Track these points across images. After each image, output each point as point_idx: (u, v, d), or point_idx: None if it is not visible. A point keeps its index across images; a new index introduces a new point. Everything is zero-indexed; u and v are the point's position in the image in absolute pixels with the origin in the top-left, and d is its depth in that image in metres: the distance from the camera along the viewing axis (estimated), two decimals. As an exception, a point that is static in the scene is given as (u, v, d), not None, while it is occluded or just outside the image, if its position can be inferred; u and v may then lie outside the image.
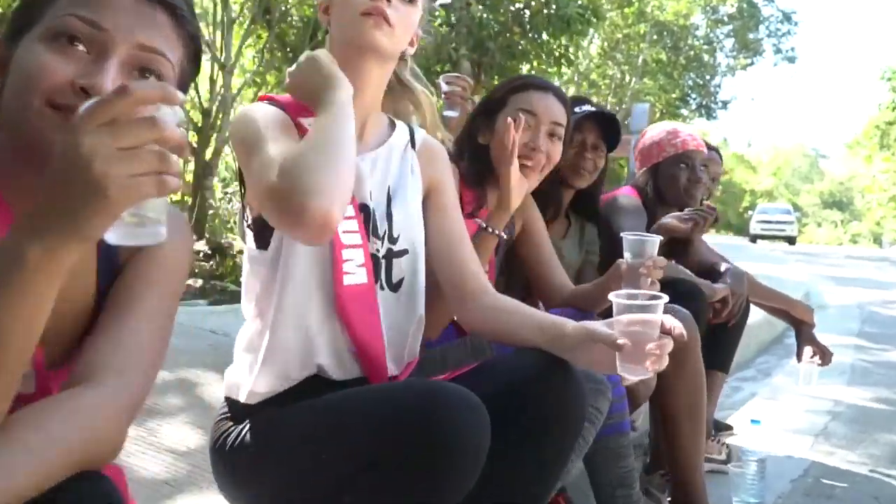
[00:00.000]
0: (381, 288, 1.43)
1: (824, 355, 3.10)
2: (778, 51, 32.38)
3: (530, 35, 12.90)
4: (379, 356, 1.39)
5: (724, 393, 4.16)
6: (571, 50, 14.65)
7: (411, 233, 1.49)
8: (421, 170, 1.56)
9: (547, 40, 13.24)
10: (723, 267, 2.83)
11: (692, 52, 30.43)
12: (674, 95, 30.34)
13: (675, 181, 2.76)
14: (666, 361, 1.28)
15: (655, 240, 1.74)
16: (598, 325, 1.34)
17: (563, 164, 2.30)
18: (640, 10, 27.60)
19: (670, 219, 2.57)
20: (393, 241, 1.46)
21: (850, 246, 43.67)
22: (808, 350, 3.10)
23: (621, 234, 1.79)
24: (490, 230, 1.88)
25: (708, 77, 31.67)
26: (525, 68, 14.54)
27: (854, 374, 4.82)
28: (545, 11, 12.12)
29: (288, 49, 14.60)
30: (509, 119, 1.87)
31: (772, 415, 3.68)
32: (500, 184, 1.89)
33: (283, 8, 13.64)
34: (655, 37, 28.65)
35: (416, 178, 1.55)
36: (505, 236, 1.91)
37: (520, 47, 12.78)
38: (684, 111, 32.22)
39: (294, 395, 1.34)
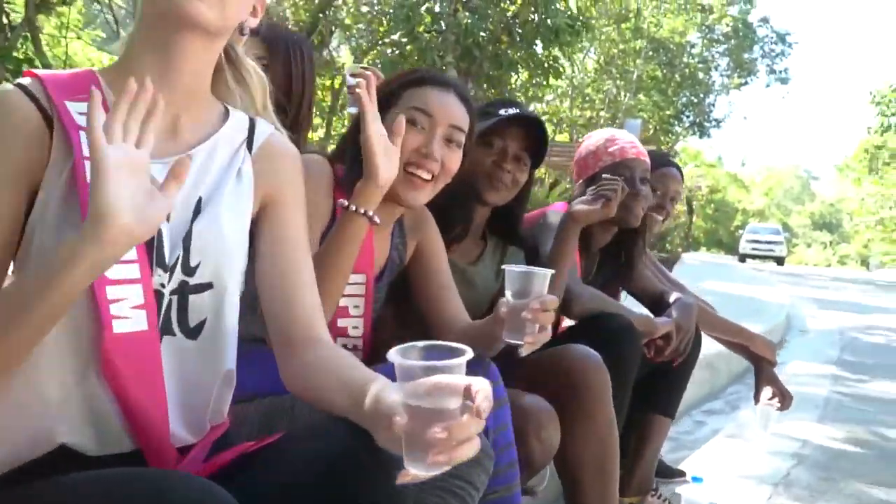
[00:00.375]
0: (171, 334, 1.11)
1: (784, 398, 2.85)
2: (772, 71, 32.35)
3: (519, 44, 12.66)
4: (158, 423, 1.07)
5: (685, 429, 3.92)
6: (562, 61, 14.41)
7: (218, 261, 1.14)
8: (256, 176, 1.23)
9: (534, 51, 13.00)
10: (672, 296, 2.57)
11: (687, 70, 30.35)
12: (668, 112, 30.25)
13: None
14: (465, 451, 0.90)
15: (544, 273, 1.44)
16: (386, 393, 0.99)
17: (478, 175, 2.04)
18: (637, 26, 27.51)
19: (578, 205, 2.23)
20: (189, 271, 1.12)
21: (838, 268, 43.56)
22: (766, 391, 2.85)
23: (502, 267, 1.51)
24: (354, 208, 1.51)
25: (702, 95, 31.59)
26: (514, 78, 14.37)
27: (827, 408, 4.57)
28: (533, 20, 11.88)
29: None
30: (401, 116, 1.55)
31: (732, 457, 3.42)
32: (364, 151, 1.50)
33: (280, 13, 13.43)
34: (651, 53, 28.55)
35: (244, 187, 1.21)
36: (378, 220, 1.55)
37: (508, 57, 12.52)
38: (678, 128, 32.16)
39: (33, 473, 1.02)
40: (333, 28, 16.13)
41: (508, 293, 1.45)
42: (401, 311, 1.89)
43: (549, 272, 1.46)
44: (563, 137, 26.61)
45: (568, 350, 1.91)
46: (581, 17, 12.65)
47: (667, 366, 2.48)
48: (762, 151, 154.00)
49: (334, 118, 15.72)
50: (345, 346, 1.76)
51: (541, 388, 1.86)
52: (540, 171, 16.76)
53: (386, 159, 1.50)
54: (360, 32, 15.32)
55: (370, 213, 1.53)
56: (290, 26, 14.31)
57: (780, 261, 31.33)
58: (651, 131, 30.08)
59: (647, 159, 2.47)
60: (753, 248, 31.82)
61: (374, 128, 1.49)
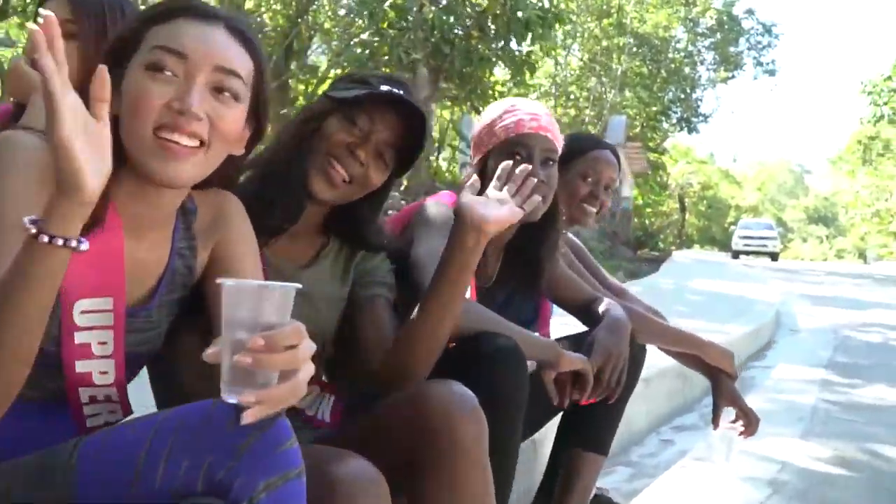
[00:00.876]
0: None
1: (749, 420, 2.34)
2: (758, 63, 32.08)
3: (492, 39, 12.16)
4: None
5: (649, 451, 3.43)
6: (538, 55, 13.94)
7: None
8: None
9: (508, 46, 12.51)
10: (601, 306, 2.03)
11: (673, 66, 30.01)
12: (655, 109, 29.90)
13: None
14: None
15: (280, 291, 0.95)
16: None
17: (315, 158, 1.52)
18: (619, 21, 27.14)
19: (489, 209, 1.61)
20: None
21: (835, 262, 43.11)
22: (726, 412, 2.34)
23: (218, 281, 0.99)
24: (46, 238, 0.95)
25: (688, 90, 31.23)
26: (489, 75, 13.87)
27: (813, 420, 4.05)
28: (501, 14, 11.39)
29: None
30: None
31: (696, 487, 2.90)
32: (51, 144, 0.91)
33: (258, 18, 12.96)
34: (635, 49, 28.18)
35: None
36: (74, 244, 0.97)
37: (479, 52, 12.01)
38: (665, 125, 31.78)
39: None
40: (313, 32, 15.65)
41: (223, 321, 0.94)
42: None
43: (292, 287, 0.94)
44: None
45: (428, 389, 1.37)
46: (553, 9, 12.14)
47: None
48: (754, 147, 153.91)
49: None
50: (93, 399, 1.24)
51: (387, 444, 1.34)
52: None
53: (88, 150, 0.94)
54: (338, 35, 14.82)
55: (72, 241, 0.98)
56: (268, 32, 13.91)
57: (773, 256, 30.90)
58: (638, 128, 29.72)
59: (554, 135, 1.90)
60: (746, 245, 31.35)
61: (65, 104, 0.91)
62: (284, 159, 1.51)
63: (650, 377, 3.68)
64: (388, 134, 1.55)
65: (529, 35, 11.70)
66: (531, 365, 1.65)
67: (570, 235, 2.52)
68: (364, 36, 12.57)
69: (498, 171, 1.49)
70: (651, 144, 31.43)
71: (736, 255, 30.60)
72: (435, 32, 11.47)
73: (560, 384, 1.79)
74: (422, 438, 1.33)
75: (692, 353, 2.37)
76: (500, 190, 1.47)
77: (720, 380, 2.35)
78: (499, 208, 1.44)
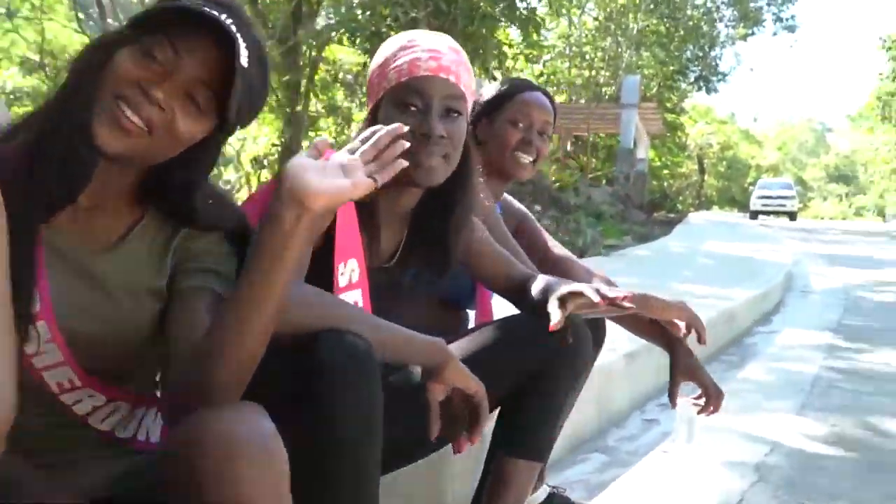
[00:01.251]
0: None
1: (710, 397, 2.07)
2: (778, 19, 31.18)
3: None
4: None
5: (630, 433, 3.19)
6: (542, 15, 13.52)
7: None
8: None
9: (512, 3, 12.09)
10: (536, 285, 1.72)
11: (691, 23, 29.26)
12: (672, 68, 29.24)
13: None
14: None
15: None
16: None
17: (97, 100, 1.11)
18: (636, -23, 26.46)
19: (313, 174, 1.14)
20: None
21: (854, 220, 42.40)
22: (684, 387, 2.07)
23: None
24: None
25: (707, 48, 30.49)
26: (500, 34, 13.45)
27: (813, 392, 3.77)
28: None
29: (270, 26, 13.47)
30: None
31: (672, 477, 2.63)
32: None
33: None
34: (652, 6, 27.48)
35: None
36: None
37: (480, 11, 11.62)
38: (683, 84, 31.11)
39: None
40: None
41: None
42: None
43: None
44: (562, 98, 25.69)
45: (206, 422, 0.98)
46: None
47: (527, 389, 1.68)
48: (776, 106, 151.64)
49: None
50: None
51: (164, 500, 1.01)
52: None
53: None
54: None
55: None
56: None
57: (792, 216, 30.39)
58: (655, 89, 29.12)
59: (459, 78, 1.53)
60: (764, 205, 30.88)
61: None
62: (64, 106, 1.11)
63: (636, 351, 3.41)
64: (200, 70, 1.12)
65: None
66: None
67: (508, 197, 2.24)
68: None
69: (365, 132, 1.12)
70: (668, 105, 30.82)
71: (754, 215, 30.15)
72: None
73: (447, 408, 1.42)
74: (196, 493, 0.95)
75: (646, 320, 2.08)
76: (354, 153, 1.09)
77: (676, 350, 2.08)
78: (337, 178, 1.05)
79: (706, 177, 49.09)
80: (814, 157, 74.96)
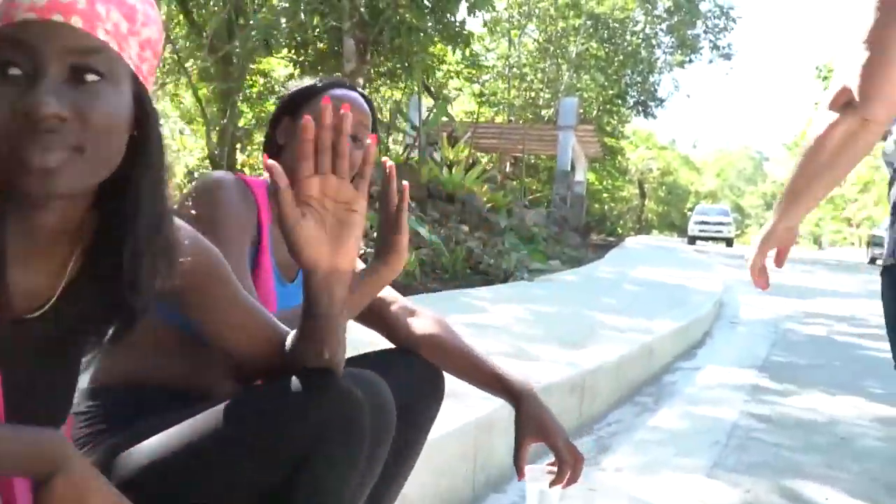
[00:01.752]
0: None
1: (563, 464, 1.59)
2: (715, 47, 31.53)
3: (423, 9, 11.30)
4: None
5: (512, 501, 2.67)
6: (470, 27, 13.14)
7: None
8: None
9: (442, 17, 11.67)
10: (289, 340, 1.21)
11: (629, 48, 29.37)
12: (611, 92, 29.28)
13: None
14: None
15: None
16: None
17: None
18: (576, 1, 26.44)
19: None
20: None
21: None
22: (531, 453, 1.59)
23: None
24: None
25: (646, 73, 30.63)
26: (430, 49, 13.02)
27: (728, 445, 3.31)
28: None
29: (205, 35, 12.82)
30: None
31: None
32: None
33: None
34: (592, 30, 27.51)
35: None
36: None
37: (407, 23, 11.16)
38: (623, 108, 31.17)
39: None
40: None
41: None
42: None
43: None
44: (501, 119, 25.42)
45: None
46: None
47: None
48: (715, 133, 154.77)
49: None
50: None
51: None
52: (461, 150, 15.44)
53: None
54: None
55: None
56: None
57: (729, 242, 30.81)
58: (595, 112, 29.06)
59: (90, 17, 0.86)
60: (702, 230, 31.20)
61: None
62: None
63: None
64: None
65: (464, 5, 10.93)
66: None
67: None
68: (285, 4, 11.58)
69: None
70: (608, 128, 30.85)
71: (692, 240, 30.38)
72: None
73: None
74: None
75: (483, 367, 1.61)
76: None
77: (523, 402, 1.61)
78: None
79: (647, 201, 49.57)
80: (752, 185, 76.46)
